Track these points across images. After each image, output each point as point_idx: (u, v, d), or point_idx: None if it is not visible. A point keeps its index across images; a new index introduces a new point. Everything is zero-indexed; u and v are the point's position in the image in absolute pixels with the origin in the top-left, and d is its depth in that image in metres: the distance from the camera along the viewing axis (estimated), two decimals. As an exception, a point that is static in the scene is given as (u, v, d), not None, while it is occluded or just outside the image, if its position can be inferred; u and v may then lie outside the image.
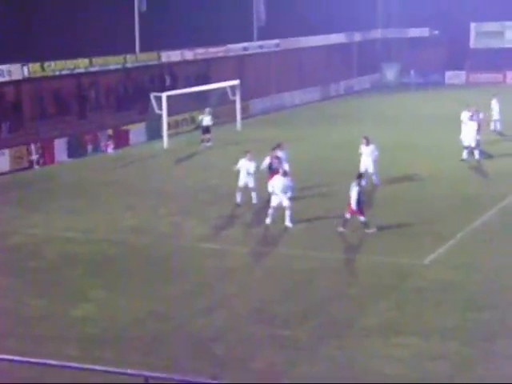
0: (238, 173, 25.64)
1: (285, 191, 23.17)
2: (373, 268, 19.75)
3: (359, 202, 22.25)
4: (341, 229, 22.39)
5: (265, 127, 43.25)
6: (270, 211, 23.41)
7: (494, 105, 38.63)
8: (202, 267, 20.36)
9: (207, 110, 38.36)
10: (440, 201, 26.06)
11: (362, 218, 22.32)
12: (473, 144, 31.73)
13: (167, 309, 17.49)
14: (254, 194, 25.58)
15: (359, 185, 22.43)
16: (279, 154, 27.07)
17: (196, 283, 19.12)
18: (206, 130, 37.71)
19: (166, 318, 16.92)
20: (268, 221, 23.41)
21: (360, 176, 23.08)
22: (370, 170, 27.59)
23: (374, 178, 27.78)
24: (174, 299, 18.06)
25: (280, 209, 23.34)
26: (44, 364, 8.33)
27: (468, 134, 31.86)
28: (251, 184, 25.43)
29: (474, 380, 13.85)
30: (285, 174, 23.60)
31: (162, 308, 17.54)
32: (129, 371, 6.93)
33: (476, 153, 31.75)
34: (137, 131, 40.07)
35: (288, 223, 23.21)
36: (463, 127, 32.62)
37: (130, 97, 43.39)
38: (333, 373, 14.18)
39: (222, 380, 10.98)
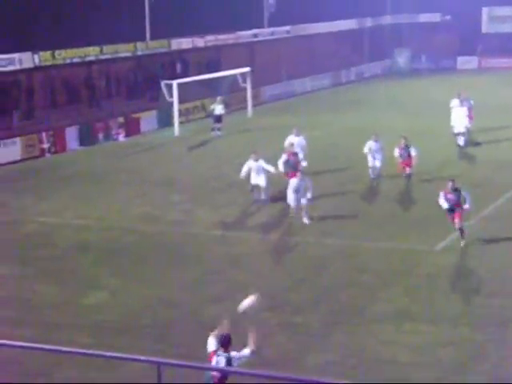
0: (247, 176, 24.72)
1: (299, 191, 22.45)
2: (384, 255, 19.73)
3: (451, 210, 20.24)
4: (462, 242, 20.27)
5: (276, 114, 43.18)
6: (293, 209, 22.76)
7: None
8: (214, 254, 20.40)
9: (219, 98, 38.13)
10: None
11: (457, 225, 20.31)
12: (462, 130, 31.77)
13: (179, 296, 17.54)
14: (264, 193, 24.76)
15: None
16: (296, 140, 26.99)
17: (207, 270, 19.15)
18: (218, 118, 37.51)
19: (178, 305, 16.97)
20: (305, 220, 22.59)
21: (455, 190, 20.37)
22: (378, 165, 26.67)
23: (374, 171, 26.73)
24: (186, 286, 18.10)
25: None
26: (57, 351, 8.36)
27: (459, 120, 31.82)
28: (262, 183, 24.52)
29: (486, 367, 13.85)
30: (299, 175, 22.84)
31: (174, 295, 17.59)
32: (141, 358, 6.94)
33: (462, 139, 31.73)
34: (148, 119, 40.09)
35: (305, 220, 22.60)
36: (453, 114, 32.46)
37: (141, 84, 43.40)
38: (344, 360, 14.20)
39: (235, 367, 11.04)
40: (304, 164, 25.42)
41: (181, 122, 39.09)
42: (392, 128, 34.08)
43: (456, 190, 20.17)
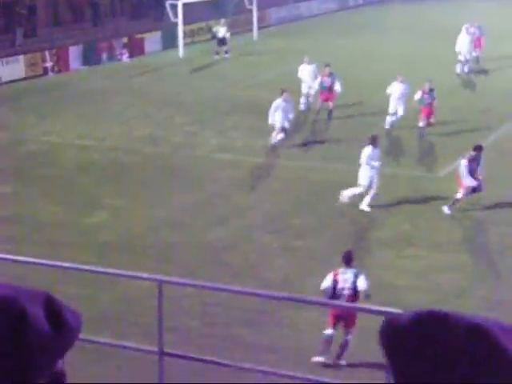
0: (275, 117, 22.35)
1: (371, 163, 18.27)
2: (388, 181, 19.68)
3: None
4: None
5: (281, 38, 42.56)
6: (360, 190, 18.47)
7: None
8: (218, 177, 20.38)
9: (222, 20, 37.56)
10: (456, 113, 25.73)
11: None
12: (468, 57, 31.82)
13: (182, 218, 17.60)
14: (280, 135, 22.55)
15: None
16: (308, 68, 26.49)
17: (211, 193, 19.17)
18: (222, 41, 36.99)
19: (181, 227, 17.04)
20: (365, 207, 18.22)
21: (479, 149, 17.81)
22: (401, 112, 23.98)
23: (393, 119, 24.18)
24: (189, 208, 18.15)
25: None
26: (59, 266, 8.39)
27: (463, 46, 31.74)
28: (287, 125, 22.52)
29: (483, 292, 13.97)
30: (373, 142, 18.53)
31: (177, 217, 17.65)
32: (143, 275, 6.96)
33: (466, 66, 31.76)
34: (152, 39, 39.57)
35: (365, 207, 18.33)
36: (458, 40, 32.23)
37: (146, 4, 42.72)
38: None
39: (235, 286, 11.12)
40: (338, 87, 25.01)
41: (185, 44, 38.63)
42: (401, 54, 33.67)
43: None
